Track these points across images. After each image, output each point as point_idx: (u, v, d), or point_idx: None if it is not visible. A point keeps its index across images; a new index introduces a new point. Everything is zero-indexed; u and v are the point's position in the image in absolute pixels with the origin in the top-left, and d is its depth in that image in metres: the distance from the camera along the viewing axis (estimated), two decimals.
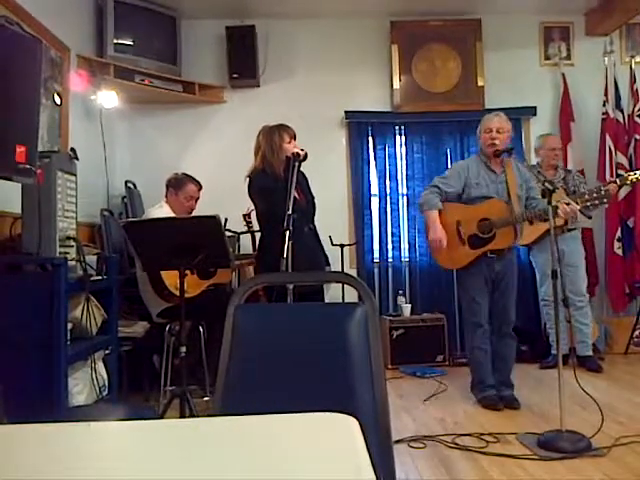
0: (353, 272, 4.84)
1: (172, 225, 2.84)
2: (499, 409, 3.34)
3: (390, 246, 5.13)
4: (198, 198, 3.71)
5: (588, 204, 3.22)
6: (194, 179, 3.71)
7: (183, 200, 3.64)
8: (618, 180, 4.06)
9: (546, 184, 2.92)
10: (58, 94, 3.74)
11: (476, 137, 3.64)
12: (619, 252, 4.94)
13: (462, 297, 3.60)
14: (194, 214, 3.61)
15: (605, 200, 3.31)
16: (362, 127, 5.14)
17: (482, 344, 3.43)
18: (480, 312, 3.43)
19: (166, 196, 3.67)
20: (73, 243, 2.74)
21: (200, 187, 3.71)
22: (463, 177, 3.45)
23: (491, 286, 3.46)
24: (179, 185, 3.64)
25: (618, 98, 5.05)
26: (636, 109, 4.99)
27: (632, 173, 3.82)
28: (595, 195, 3.27)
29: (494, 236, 3.38)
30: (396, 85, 5.15)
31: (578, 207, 3.18)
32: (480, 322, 3.42)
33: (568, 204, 3.15)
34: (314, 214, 3.33)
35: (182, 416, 2.55)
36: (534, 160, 4.79)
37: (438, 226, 3.40)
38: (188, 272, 3.00)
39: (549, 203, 2.88)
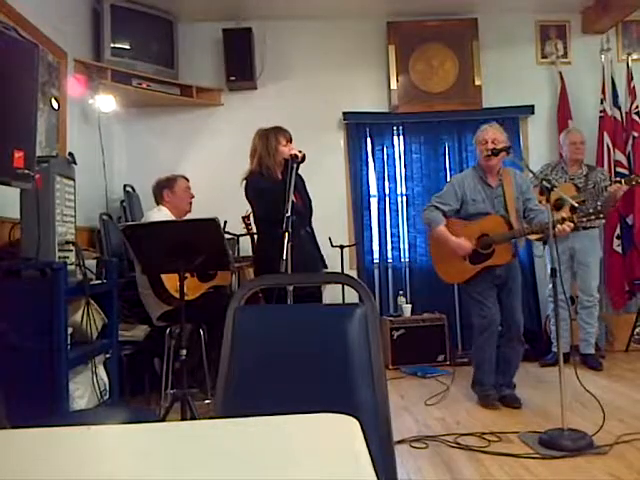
0: (353, 273, 4.84)
1: (171, 228, 2.84)
2: (496, 408, 3.35)
3: (390, 246, 5.13)
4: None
5: (584, 219, 3.22)
6: (179, 175, 3.77)
7: (182, 194, 3.67)
8: (624, 181, 4.03)
9: (544, 182, 2.93)
10: (56, 99, 3.75)
11: (474, 148, 3.65)
12: (618, 250, 4.94)
13: (469, 303, 3.58)
14: (191, 217, 3.61)
15: (602, 216, 3.32)
16: (360, 128, 5.15)
17: (486, 345, 3.41)
18: (488, 313, 3.40)
19: (159, 200, 3.67)
20: (72, 247, 2.74)
21: (188, 180, 3.78)
22: (460, 193, 3.47)
23: (496, 288, 3.45)
24: (172, 183, 3.68)
25: (615, 96, 5.05)
26: (633, 106, 4.99)
27: (636, 176, 3.80)
28: (591, 211, 3.26)
29: (493, 252, 3.40)
30: (393, 86, 5.15)
31: (571, 227, 3.17)
32: (488, 323, 3.39)
33: (564, 220, 3.14)
34: (311, 217, 3.33)
35: (183, 419, 2.56)
36: (534, 160, 4.80)
37: (453, 238, 3.41)
38: (188, 275, 3.00)
39: (547, 201, 2.88)
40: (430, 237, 3.69)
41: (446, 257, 3.49)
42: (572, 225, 3.14)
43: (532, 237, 4.27)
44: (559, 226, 3.11)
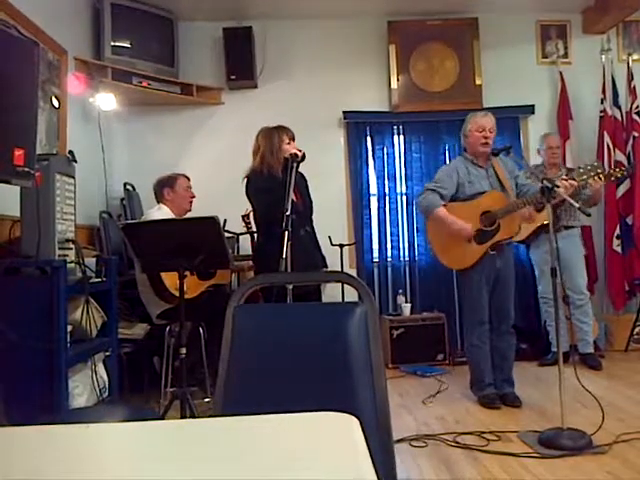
0: (353, 272, 4.84)
1: (171, 226, 2.84)
2: (498, 407, 3.35)
3: (389, 245, 5.13)
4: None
5: (585, 177, 3.27)
6: (180, 173, 3.78)
7: (183, 192, 3.68)
8: (602, 176, 4.07)
9: (545, 181, 2.92)
10: (56, 97, 3.75)
11: (462, 135, 3.56)
12: (618, 249, 4.94)
13: (464, 296, 3.58)
14: (191, 216, 3.61)
15: (599, 171, 3.35)
16: (360, 127, 5.15)
17: (480, 342, 3.43)
18: (482, 310, 3.43)
19: (160, 199, 3.67)
20: (72, 245, 2.74)
21: (189, 179, 3.78)
22: (454, 178, 3.45)
23: (491, 283, 3.45)
24: (172, 182, 3.69)
25: (616, 96, 5.05)
26: (634, 106, 5.00)
27: (612, 170, 3.83)
28: (589, 168, 3.32)
29: (499, 227, 3.38)
30: (394, 85, 5.15)
31: (576, 183, 3.18)
32: (482, 320, 3.42)
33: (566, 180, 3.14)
34: (311, 217, 3.32)
35: (183, 417, 2.56)
36: (534, 159, 4.80)
37: (456, 219, 3.36)
38: (188, 273, 3.00)
39: (548, 201, 2.88)
40: (428, 225, 3.61)
41: (449, 243, 3.43)
42: (574, 183, 3.14)
43: (520, 239, 4.28)
44: (564, 182, 3.06)
